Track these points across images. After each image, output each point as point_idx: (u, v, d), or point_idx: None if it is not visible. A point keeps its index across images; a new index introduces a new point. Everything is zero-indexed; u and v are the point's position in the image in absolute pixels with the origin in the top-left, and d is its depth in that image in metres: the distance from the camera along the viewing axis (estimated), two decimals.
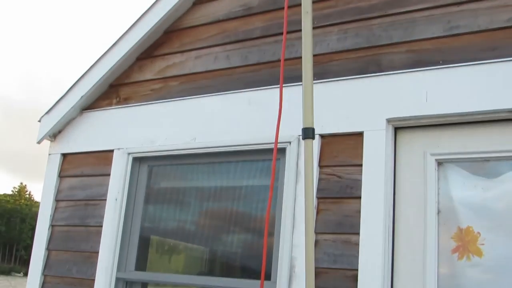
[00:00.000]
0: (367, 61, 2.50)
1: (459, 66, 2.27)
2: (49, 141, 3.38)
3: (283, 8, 2.48)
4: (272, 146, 2.53)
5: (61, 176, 3.30)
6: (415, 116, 2.30)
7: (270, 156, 2.49)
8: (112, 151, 3.11)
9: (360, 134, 2.39)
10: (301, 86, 2.20)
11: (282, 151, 2.57)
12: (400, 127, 2.39)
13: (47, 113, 3.33)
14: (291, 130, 2.53)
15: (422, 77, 2.34)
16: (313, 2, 2.41)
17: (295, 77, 2.58)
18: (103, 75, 3.21)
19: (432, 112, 2.27)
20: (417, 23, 2.44)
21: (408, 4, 2.48)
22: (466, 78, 2.25)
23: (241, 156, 2.76)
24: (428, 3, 2.44)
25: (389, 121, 2.35)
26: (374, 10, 2.56)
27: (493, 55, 2.23)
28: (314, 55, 2.36)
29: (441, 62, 2.33)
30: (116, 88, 3.26)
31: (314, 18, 2.49)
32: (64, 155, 3.33)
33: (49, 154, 3.37)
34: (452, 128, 2.28)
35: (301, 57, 2.23)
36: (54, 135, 3.35)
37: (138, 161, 3.05)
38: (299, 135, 2.47)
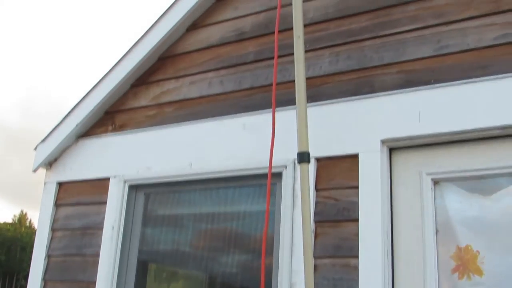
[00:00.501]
0: (359, 82, 2.52)
1: (450, 85, 2.28)
2: (45, 169, 3.37)
3: (278, 31, 2.50)
4: (262, 171, 2.54)
5: (57, 205, 3.28)
6: (409, 136, 2.30)
7: (266, 181, 2.48)
8: (108, 178, 3.10)
9: (355, 156, 2.39)
10: (295, 109, 2.22)
11: (278, 175, 2.56)
12: (395, 148, 2.39)
13: (42, 141, 3.33)
14: (287, 153, 2.53)
15: (414, 97, 2.35)
16: (304, 26, 2.44)
17: (289, 100, 2.59)
18: (99, 103, 3.22)
19: (426, 131, 2.27)
20: (408, 43, 2.46)
21: (398, 25, 2.51)
22: (457, 96, 2.26)
23: (238, 182, 2.75)
24: (418, 23, 2.46)
25: (383, 142, 2.36)
26: (365, 32, 2.58)
27: (483, 73, 2.25)
28: (307, 78, 2.38)
29: (432, 81, 2.34)
30: (112, 115, 3.26)
31: (306, 42, 2.52)
32: (60, 184, 3.31)
33: (45, 183, 3.36)
34: (447, 147, 2.28)
35: (294, 80, 2.25)
36: (50, 163, 3.34)
37: (135, 188, 3.04)
38: (295, 159, 2.46)
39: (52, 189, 3.31)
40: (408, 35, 2.47)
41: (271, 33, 2.83)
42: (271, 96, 2.65)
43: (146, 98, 3.16)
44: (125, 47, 3.24)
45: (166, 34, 3.10)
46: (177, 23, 3.09)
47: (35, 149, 3.35)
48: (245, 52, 2.90)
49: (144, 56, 3.14)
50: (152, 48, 3.13)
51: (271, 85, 2.73)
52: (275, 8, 2.81)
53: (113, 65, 3.22)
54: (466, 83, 2.26)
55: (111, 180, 3.08)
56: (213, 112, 2.88)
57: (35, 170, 3.34)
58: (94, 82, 3.26)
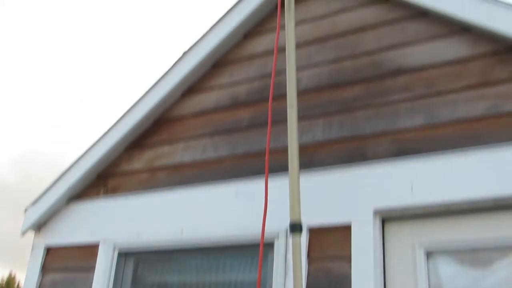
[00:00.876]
0: (352, 151, 2.52)
1: (442, 155, 2.29)
2: (34, 232, 3.31)
3: (272, 99, 2.52)
4: (253, 241, 2.50)
5: (44, 270, 3.19)
6: (401, 207, 2.28)
7: (258, 250, 2.43)
8: (97, 244, 3.03)
9: (348, 226, 2.36)
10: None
11: (270, 245, 2.52)
12: (387, 218, 2.36)
13: (32, 204, 3.29)
14: (279, 221, 2.49)
15: (407, 167, 2.34)
16: (298, 94, 2.47)
17: (282, 167, 2.58)
18: (92, 166, 3.21)
19: (418, 202, 2.25)
20: (400, 113, 2.49)
21: (390, 95, 2.54)
22: (449, 167, 2.25)
23: (230, 251, 2.70)
24: (409, 93, 2.50)
25: (376, 212, 2.33)
26: (357, 101, 2.61)
27: (475, 143, 2.26)
28: (300, 146, 2.38)
29: (424, 151, 2.35)
30: (104, 178, 3.24)
31: (299, 109, 2.54)
32: (48, 248, 3.24)
33: (33, 247, 3.28)
34: (440, 218, 2.26)
35: (287, 147, 2.25)
36: (39, 226, 3.29)
37: (124, 255, 2.97)
38: (287, 228, 2.42)
39: (40, 253, 3.23)
40: (400, 105, 2.50)
41: (265, 100, 2.86)
42: (264, 162, 2.65)
43: (139, 161, 3.16)
44: (123, 109, 3.27)
45: (162, 98, 3.14)
46: (173, 87, 3.13)
47: (25, 211, 3.30)
48: (239, 118, 2.92)
49: (140, 120, 3.16)
50: (148, 112, 3.15)
51: (264, 151, 2.73)
52: (270, 75, 2.86)
53: (108, 128, 3.23)
54: (457, 153, 2.26)
55: (100, 246, 3.01)
56: (206, 177, 2.87)
57: (23, 233, 3.28)
58: (90, 143, 3.25)
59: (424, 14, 2.62)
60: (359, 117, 2.57)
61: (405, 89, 2.52)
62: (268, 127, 2.36)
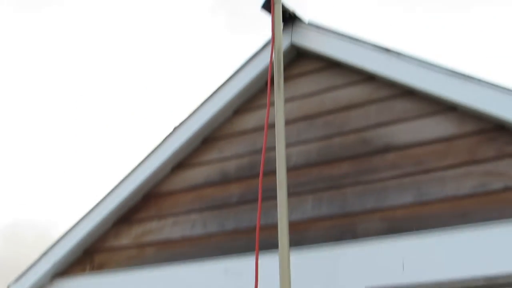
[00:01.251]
0: (342, 228, 2.53)
1: (433, 232, 2.31)
2: None
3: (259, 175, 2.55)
4: None
5: None
6: (393, 286, 2.27)
7: None
8: None
9: None
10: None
11: None
12: None
13: (16, 281, 3.23)
14: None
15: (397, 245, 2.35)
16: (287, 171, 2.49)
17: (273, 244, 2.56)
18: (78, 242, 3.19)
19: (410, 280, 2.25)
20: (389, 190, 2.51)
21: (379, 172, 2.57)
22: (440, 244, 2.27)
23: None
24: (398, 171, 2.53)
25: None
26: (346, 178, 2.64)
27: (463, 221, 2.28)
28: (290, 222, 2.37)
29: (415, 229, 2.36)
30: (91, 254, 3.22)
31: (289, 186, 2.55)
32: None
33: None
34: None
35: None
36: None
37: None
38: None
39: None
40: (388, 182, 2.53)
41: (255, 176, 2.87)
42: (254, 239, 2.62)
43: (127, 237, 3.13)
44: (112, 183, 3.26)
45: (152, 173, 3.17)
46: (163, 162, 3.16)
47: None
48: (229, 194, 2.93)
49: (128, 195, 3.17)
50: (137, 187, 3.17)
51: (254, 228, 2.71)
52: (259, 151, 2.89)
53: (96, 203, 3.22)
54: (448, 231, 2.28)
55: None
56: (195, 254, 2.85)
57: None
58: (77, 219, 3.23)
59: (410, 93, 2.70)
60: (349, 194, 2.59)
61: (393, 166, 2.55)
62: (259, 205, 2.36)
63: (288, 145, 2.81)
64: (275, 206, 2.50)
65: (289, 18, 2.98)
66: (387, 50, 2.71)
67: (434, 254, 2.25)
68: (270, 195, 2.70)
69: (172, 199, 3.11)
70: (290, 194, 2.65)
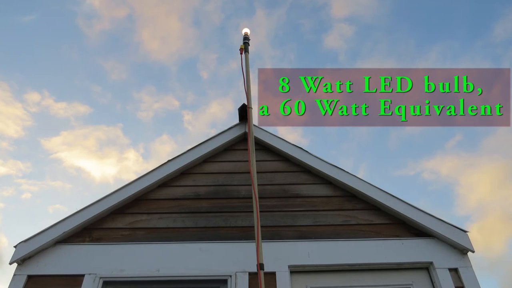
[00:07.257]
0: (273, 233, 4.49)
1: (322, 241, 4.44)
2: (17, 264, 4.13)
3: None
4: (215, 277, 4.13)
5: None
6: (302, 265, 4.29)
7: (215, 285, 4.05)
8: (82, 275, 4.09)
9: (274, 273, 4.22)
10: (249, 245, 4.08)
11: (223, 281, 4.15)
12: (294, 271, 4.32)
13: (24, 241, 4.17)
14: (231, 267, 4.19)
15: (303, 244, 4.41)
16: (239, 198, 4.43)
17: (231, 237, 4.37)
18: (79, 222, 4.36)
19: (313, 262, 4.29)
20: (298, 217, 4.61)
21: (292, 207, 4.70)
22: (327, 247, 4.40)
23: (194, 284, 4.19)
24: (303, 208, 4.68)
25: (289, 267, 4.28)
26: (275, 208, 4.67)
27: (337, 237, 4.49)
28: (244, 227, 4.34)
29: (313, 238, 4.48)
30: (90, 230, 4.41)
31: (242, 207, 4.45)
32: (30, 276, 4.05)
33: (14, 275, 4.06)
34: (324, 273, 4.31)
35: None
36: (24, 259, 4.14)
37: (108, 284, 4.11)
38: (235, 271, 4.14)
39: (21, 281, 4.03)
40: (298, 213, 4.64)
41: (218, 198, 4.70)
42: (219, 233, 4.40)
43: (122, 223, 4.49)
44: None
45: (143, 188, 4.67)
46: (152, 182, 4.72)
47: (15, 246, 4.16)
48: (200, 206, 4.65)
49: (125, 199, 4.58)
50: (131, 195, 4.61)
51: (219, 227, 4.49)
52: (220, 184, 4.76)
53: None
54: (329, 241, 4.45)
55: (85, 276, 4.10)
56: (176, 238, 4.40)
57: (11, 263, 4.08)
58: (80, 208, 4.46)
59: (308, 170, 4.96)
60: (276, 216, 4.60)
61: (301, 205, 4.69)
62: (256, 213, 4.23)
63: (240, 185, 4.78)
64: (232, 216, 4.38)
65: (244, 117, 5.12)
66: (295, 146, 5.01)
67: (324, 251, 4.35)
68: (229, 210, 4.57)
69: (158, 203, 4.64)
70: (242, 212, 4.57)
